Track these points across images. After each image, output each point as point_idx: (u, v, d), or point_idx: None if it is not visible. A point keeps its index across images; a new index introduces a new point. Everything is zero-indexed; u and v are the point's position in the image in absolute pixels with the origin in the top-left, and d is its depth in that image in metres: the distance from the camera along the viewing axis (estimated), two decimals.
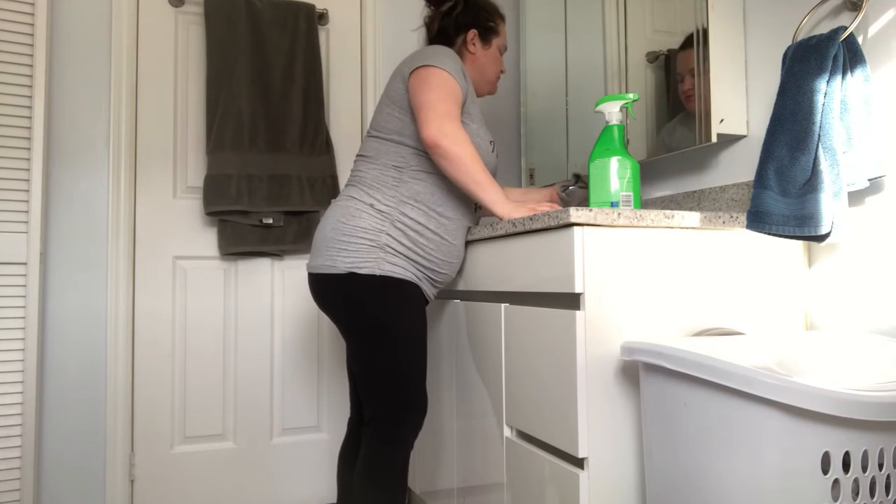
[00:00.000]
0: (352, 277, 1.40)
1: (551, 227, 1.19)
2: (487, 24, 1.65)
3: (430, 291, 1.51)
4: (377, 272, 1.39)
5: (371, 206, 1.43)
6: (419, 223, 1.44)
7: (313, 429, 2.25)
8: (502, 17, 1.70)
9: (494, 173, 1.58)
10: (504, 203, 1.39)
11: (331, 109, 2.32)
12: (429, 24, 1.69)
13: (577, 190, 1.80)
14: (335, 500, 2.26)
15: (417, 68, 1.45)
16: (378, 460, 1.42)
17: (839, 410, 0.77)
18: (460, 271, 1.63)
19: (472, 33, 1.63)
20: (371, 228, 1.41)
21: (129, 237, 2.04)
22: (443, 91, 1.42)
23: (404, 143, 1.47)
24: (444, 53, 1.48)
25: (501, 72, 1.72)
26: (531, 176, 2.27)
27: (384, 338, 1.40)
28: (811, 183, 1.16)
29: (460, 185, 1.41)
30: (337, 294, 1.42)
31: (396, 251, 1.41)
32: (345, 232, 1.41)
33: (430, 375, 1.83)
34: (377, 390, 1.42)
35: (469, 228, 1.55)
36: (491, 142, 1.57)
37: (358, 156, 1.54)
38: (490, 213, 1.47)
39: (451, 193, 1.49)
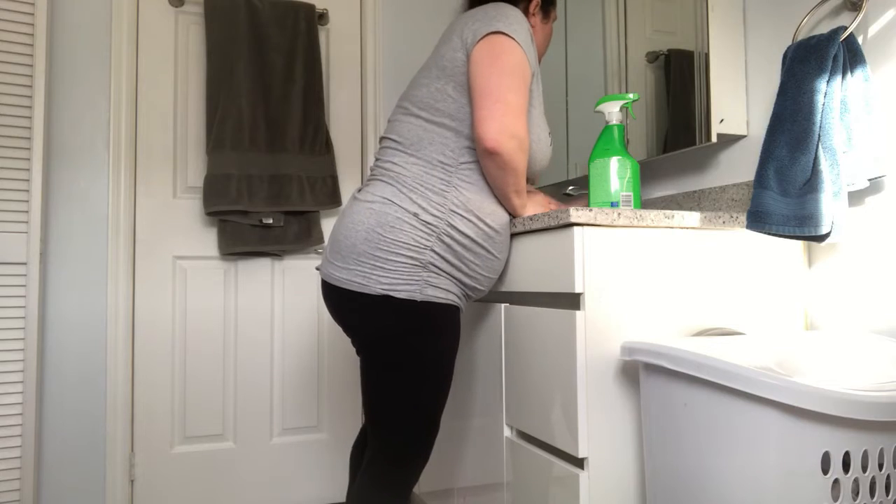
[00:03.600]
0: (386, 301, 1.18)
1: (551, 227, 1.19)
2: None
3: (464, 306, 1.33)
4: (417, 297, 1.18)
5: (415, 215, 1.19)
6: (468, 237, 1.22)
7: (313, 429, 2.25)
8: None
9: (547, 168, 1.38)
10: (527, 207, 1.31)
11: (331, 109, 2.32)
12: None
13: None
14: (335, 501, 2.26)
15: (487, 35, 1.19)
16: (380, 496, 1.25)
17: (839, 410, 0.77)
18: None
19: (536, 2, 1.40)
20: (415, 244, 1.18)
21: (129, 237, 2.04)
22: (516, 76, 1.18)
23: (457, 130, 1.22)
24: (516, 18, 1.23)
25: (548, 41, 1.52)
26: None
27: (415, 374, 1.21)
28: (811, 183, 1.16)
29: (500, 192, 1.24)
30: (364, 317, 1.21)
31: (440, 270, 1.20)
32: (382, 246, 1.18)
33: None
34: (395, 428, 1.24)
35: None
36: (549, 133, 1.37)
37: (388, 140, 1.28)
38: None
39: (499, 201, 1.28)
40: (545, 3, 1.42)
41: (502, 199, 1.27)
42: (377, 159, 1.31)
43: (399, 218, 1.19)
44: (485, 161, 1.19)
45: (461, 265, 1.23)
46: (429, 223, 1.19)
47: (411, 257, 1.18)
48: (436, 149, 1.23)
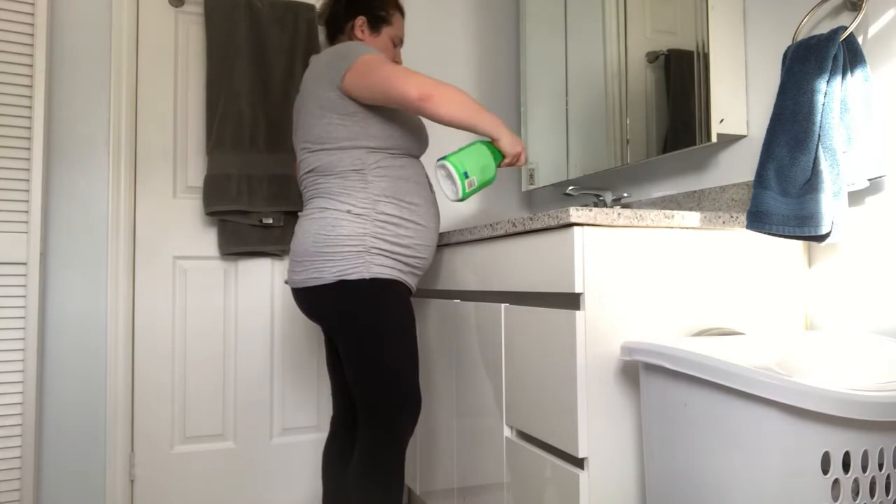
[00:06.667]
0: (341, 285, 1.40)
1: (551, 227, 1.19)
2: (378, 13, 1.64)
3: (412, 283, 1.52)
4: (366, 275, 1.40)
5: (348, 212, 1.42)
6: (395, 216, 1.44)
7: (313, 429, 2.25)
8: (398, 9, 1.68)
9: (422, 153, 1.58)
10: (503, 126, 1.43)
11: None
12: (321, 12, 1.69)
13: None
14: None
15: (350, 68, 1.42)
16: (378, 461, 1.43)
17: (839, 410, 0.77)
18: (460, 271, 1.63)
19: (361, 20, 1.62)
20: (354, 234, 1.41)
21: (128, 237, 2.04)
22: (386, 62, 1.41)
23: (356, 146, 1.45)
24: (355, 45, 1.48)
25: (396, 62, 1.67)
26: (531, 176, 2.27)
27: (380, 340, 1.41)
28: (811, 183, 1.16)
29: (463, 122, 1.39)
30: (327, 304, 1.43)
31: (381, 250, 1.42)
32: (327, 243, 1.41)
33: (431, 376, 1.83)
34: (375, 392, 1.42)
35: (438, 220, 1.57)
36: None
37: (306, 173, 1.51)
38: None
39: (410, 181, 1.49)
40: (372, 22, 1.63)
41: (469, 128, 1.41)
42: (306, 189, 1.52)
43: (336, 218, 1.42)
44: (428, 109, 1.35)
45: (397, 240, 1.44)
46: (361, 215, 1.42)
47: (354, 246, 1.40)
48: (346, 164, 1.45)
